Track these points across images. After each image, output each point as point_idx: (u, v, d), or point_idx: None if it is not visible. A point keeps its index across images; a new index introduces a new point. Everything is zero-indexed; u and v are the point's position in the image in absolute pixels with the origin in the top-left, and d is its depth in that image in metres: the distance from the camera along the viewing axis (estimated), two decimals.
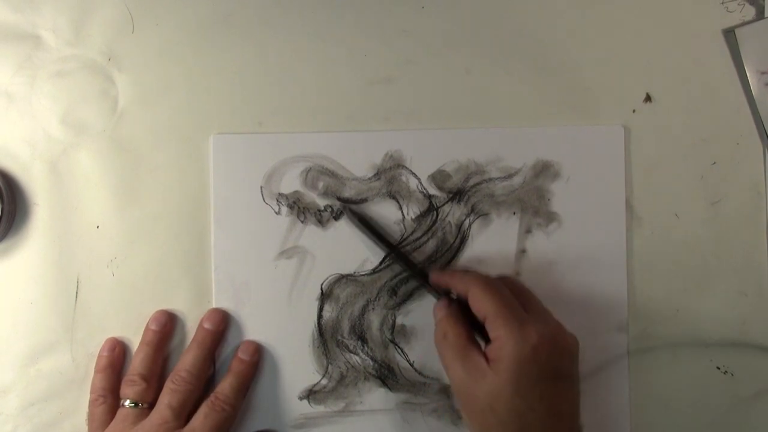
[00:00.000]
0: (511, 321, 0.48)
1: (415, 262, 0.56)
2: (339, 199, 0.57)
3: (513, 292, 0.51)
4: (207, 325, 0.55)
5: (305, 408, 0.56)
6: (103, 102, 0.57)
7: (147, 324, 0.56)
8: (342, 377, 0.57)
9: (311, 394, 0.56)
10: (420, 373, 0.57)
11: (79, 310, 0.56)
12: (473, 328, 0.51)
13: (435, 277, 0.54)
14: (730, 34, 0.58)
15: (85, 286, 0.56)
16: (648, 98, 0.58)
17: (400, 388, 0.57)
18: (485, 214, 0.57)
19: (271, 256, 0.56)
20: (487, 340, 0.49)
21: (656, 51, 0.58)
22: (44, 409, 0.56)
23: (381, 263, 0.57)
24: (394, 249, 0.56)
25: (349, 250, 0.57)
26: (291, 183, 0.57)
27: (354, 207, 0.56)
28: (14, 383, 0.56)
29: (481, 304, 0.49)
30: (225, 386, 0.54)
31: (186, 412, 0.53)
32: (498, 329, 0.48)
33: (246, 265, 0.56)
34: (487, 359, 0.48)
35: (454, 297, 0.53)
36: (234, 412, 0.53)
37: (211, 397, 0.53)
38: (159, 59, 0.57)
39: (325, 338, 0.57)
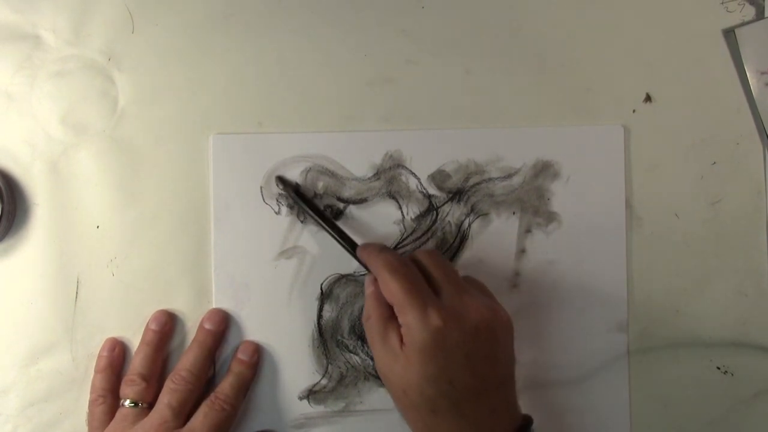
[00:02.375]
0: (414, 307, 0.47)
1: (346, 234, 0.55)
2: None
3: (426, 269, 0.50)
4: (207, 326, 0.55)
5: (305, 408, 0.56)
6: (103, 102, 0.57)
7: (147, 324, 0.56)
8: (342, 377, 0.57)
9: (311, 394, 0.56)
10: None
11: (79, 310, 0.56)
12: None
13: (359, 252, 0.53)
14: (730, 34, 0.58)
15: (85, 286, 0.56)
16: (648, 98, 0.58)
17: None
18: (485, 214, 0.57)
19: (270, 256, 0.56)
20: None
21: (656, 51, 0.58)
22: (44, 409, 0.56)
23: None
24: (326, 220, 0.55)
25: None
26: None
27: (285, 177, 0.56)
28: (14, 383, 0.56)
29: (388, 291, 0.49)
30: (225, 386, 0.54)
31: (186, 411, 0.53)
32: (404, 315, 0.48)
33: (246, 265, 0.56)
34: (401, 340, 0.48)
35: None
36: (234, 412, 0.53)
37: (211, 396, 0.53)
38: (159, 59, 0.57)
39: (325, 338, 0.57)
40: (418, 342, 0.47)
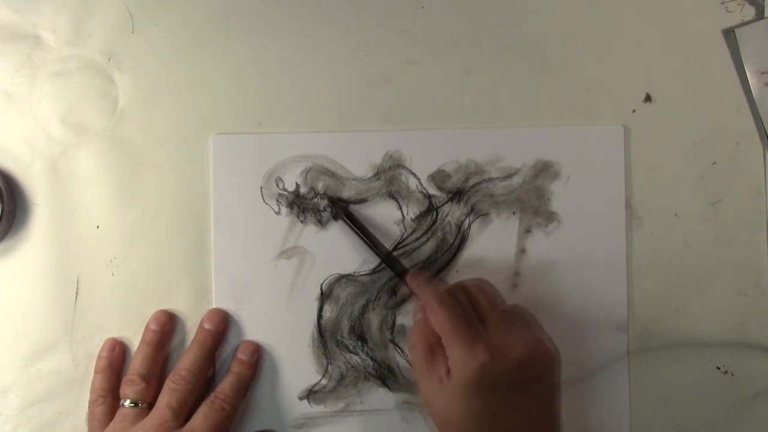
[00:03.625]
0: (461, 341, 0.48)
1: (396, 259, 0.56)
2: (338, 200, 0.57)
3: (474, 300, 0.51)
4: (207, 325, 0.55)
5: (305, 408, 0.56)
6: (103, 102, 0.57)
7: (147, 324, 0.56)
8: (342, 377, 0.57)
9: (311, 394, 0.56)
10: None
11: (79, 310, 0.56)
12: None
13: (409, 280, 0.54)
14: (730, 34, 0.58)
15: (85, 286, 0.56)
16: (648, 98, 0.58)
17: (400, 388, 0.57)
18: (485, 214, 0.57)
19: (270, 257, 0.56)
20: None
21: (656, 51, 0.58)
22: (44, 409, 0.56)
23: (381, 263, 0.57)
24: (375, 244, 0.56)
25: (349, 250, 0.57)
26: (291, 183, 0.57)
27: (337, 196, 0.56)
28: (14, 383, 0.56)
29: (436, 322, 0.50)
30: (225, 386, 0.54)
31: (185, 411, 0.53)
32: (451, 348, 0.48)
33: (246, 266, 0.56)
34: (448, 373, 0.48)
35: None
36: (233, 412, 0.53)
37: (211, 396, 0.53)
38: (159, 59, 0.57)
39: (325, 338, 0.57)
40: (464, 377, 0.47)
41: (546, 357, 0.49)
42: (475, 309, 0.50)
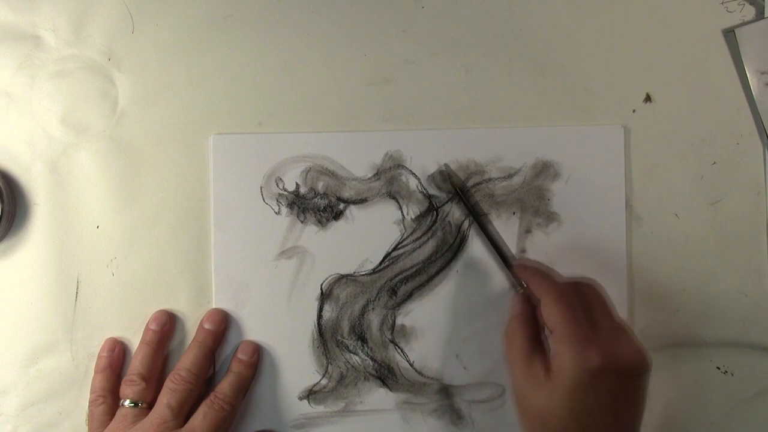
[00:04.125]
0: (575, 340, 0.47)
1: (505, 245, 0.56)
2: (340, 198, 0.57)
3: (587, 302, 0.50)
4: (207, 325, 0.55)
5: (305, 408, 0.56)
6: (103, 102, 0.57)
7: (147, 324, 0.56)
8: (342, 377, 0.57)
9: (311, 394, 0.56)
10: (420, 373, 0.57)
11: (79, 310, 0.56)
12: (543, 330, 0.51)
13: (517, 269, 0.54)
14: (730, 34, 0.58)
15: (85, 286, 0.56)
16: (648, 98, 0.58)
17: (400, 388, 0.57)
18: (485, 214, 0.57)
19: (270, 257, 0.56)
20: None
21: (656, 51, 0.58)
22: (44, 409, 0.56)
23: (381, 263, 0.57)
24: (484, 228, 0.56)
25: (349, 250, 0.57)
26: (291, 183, 0.57)
27: (450, 169, 0.56)
28: (14, 383, 0.56)
29: (549, 317, 0.49)
30: (224, 385, 0.54)
31: (185, 411, 0.53)
32: (561, 346, 0.47)
33: (246, 266, 0.56)
34: (548, 369, 0.48)
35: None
36: (233, 411, 0.53)
37: (211, 396, 0.53)
38: (159, 59, 0.57)
39: (325, 338, 0.57)
40: (571, 377, 0.46)
41: (648, 371, 0.49)
42: (589, 311, 0.49)
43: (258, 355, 0.56)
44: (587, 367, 0.46)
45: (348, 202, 0.57)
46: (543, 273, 0.52)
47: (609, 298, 0.51)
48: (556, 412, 0.47)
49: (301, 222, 0.57)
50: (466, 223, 0.57)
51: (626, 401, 0.47)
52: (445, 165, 0.56)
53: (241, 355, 0.55)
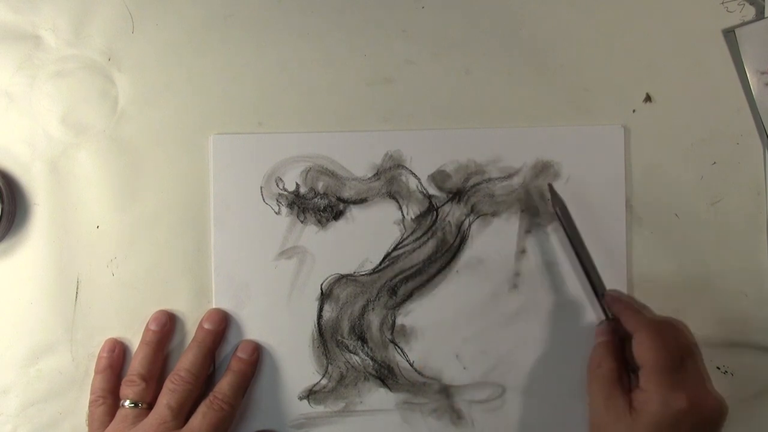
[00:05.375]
0: (664, 381, 0.48)
1: (597, 273, 0.55)
2: (340, 198, 0.57)
3: (679, 344, 0.50)
4: (207, 325, 0.55)
5: (305, 408, 0.56)
6: (103, 102, 0.57)
7: (147, 324, 0.56)
8: (342, 377, 0.57)
9: (311, 394, 0.56)
10: (420, 373, 0.57)
11: (79, 310, 0.56)
12: (628, 362, 0.52)
13: (609, 300, 0.54)
14: (730, 34, 0.58)
15: (85, 286, 0.56)
16: (648, 98, 0.58)
17: (400, 388, 0.57)
18: (485, 214, 0.57)
19: (270, 257, 0.56)
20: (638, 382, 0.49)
21: (656, 51, 0.58)
22: (44, 409, 0.56)
23: (381, 263, 0.57)
24: (583, 249, 0.55)
25: (349, 250, 0.57)
26: (291, 183, 0.57)
27: (553, 188, 0.56)
28: (14, 383, 0.56)
29: (641, 354, 0.49)
30: (224, 385, 0.54)
31: (185, 411, 0.53)
32: (649, 383, 0.48)
33: (246, 266, 0.56)
34: (630, 404, 0.48)
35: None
36: (233, 411, 0.53)
37: (210, 396, 0.53)
38: (159, 59, 0.57)
39: (325, 338, 0.57)
40: (656, 415, 0.47)
41: (725, 420, 0.49)
42: (679, 352, 0.49)
43: (258, 353, 0.56)
44: (673, 408, 0.47)
45: (348, 202, 0.57)
46: (635, 308, 0.53)
47: (696, 343, 0.51)
48: None
49: (301, 222, 0.57)
50: (466, 223, 0.57)
51: None
52: (549, 185, 0.56)
53: (240, 354, 0.55)
